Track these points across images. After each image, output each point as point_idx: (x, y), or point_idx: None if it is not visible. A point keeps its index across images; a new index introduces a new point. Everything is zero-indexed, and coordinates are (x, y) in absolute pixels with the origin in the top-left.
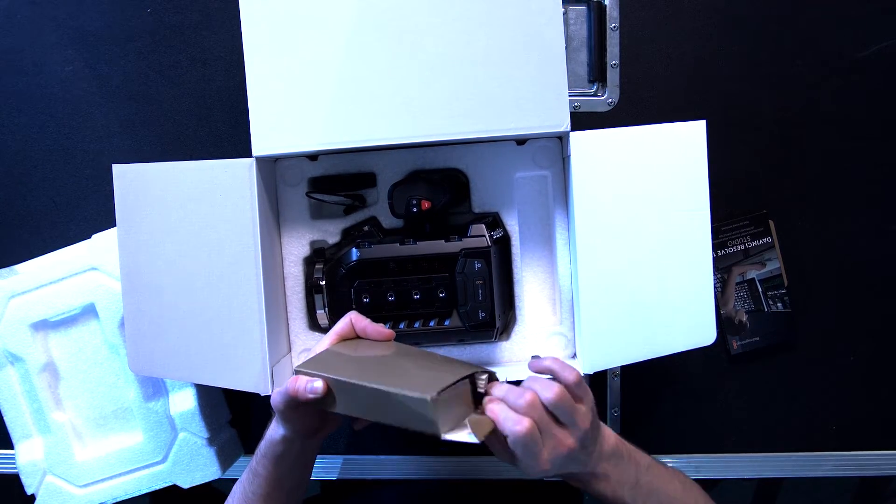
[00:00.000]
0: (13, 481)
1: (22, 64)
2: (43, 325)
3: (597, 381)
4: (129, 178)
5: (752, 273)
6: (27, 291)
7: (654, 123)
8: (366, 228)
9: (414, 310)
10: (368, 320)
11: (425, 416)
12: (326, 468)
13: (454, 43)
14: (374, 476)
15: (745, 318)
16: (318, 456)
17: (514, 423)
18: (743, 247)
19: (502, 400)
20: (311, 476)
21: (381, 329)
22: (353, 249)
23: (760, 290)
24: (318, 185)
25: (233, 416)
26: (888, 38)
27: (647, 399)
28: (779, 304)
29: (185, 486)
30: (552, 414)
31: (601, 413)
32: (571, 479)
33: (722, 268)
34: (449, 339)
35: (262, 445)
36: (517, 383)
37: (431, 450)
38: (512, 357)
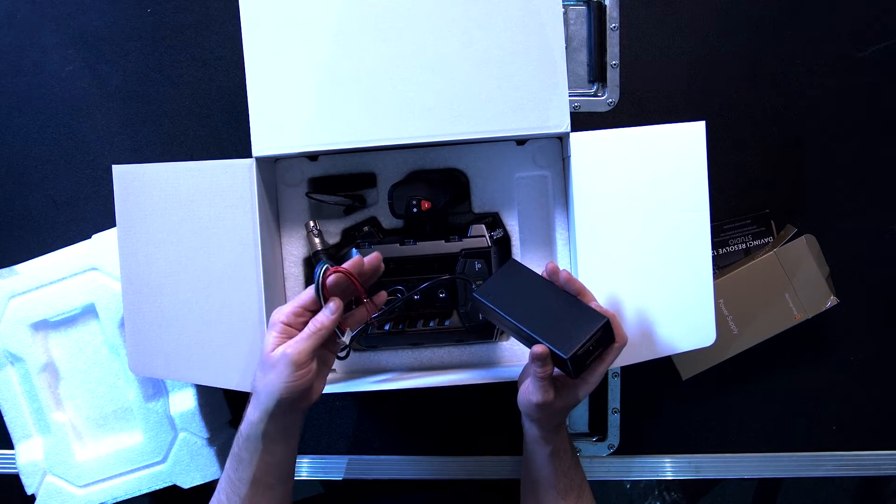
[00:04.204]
0: (13, 481)
1: (22, 64)
2: (43, 325)
3: None
4: (129, 179)
5: None
6: (27, 291)
7: (654, 123)
8: (366, 229)
9: (414, 310)
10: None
11: None
12: (327, 468)
13: (454, 43)
14: (377, 476)
15: None
16: (321, 456)
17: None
18: (744, 246)
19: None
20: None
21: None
22: (353, 250)
23: None
24: (318, 185)
25: (233, 416)
26: (888, 38)
27: (647, 399)
28: None
29: (185, 486)
30: None
31: (601, 413)
32: (541, 422)
33: (722, 266)
34: (449, 339)
35: (243, 428)
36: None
37: (434, 450)
38: (512, 357)
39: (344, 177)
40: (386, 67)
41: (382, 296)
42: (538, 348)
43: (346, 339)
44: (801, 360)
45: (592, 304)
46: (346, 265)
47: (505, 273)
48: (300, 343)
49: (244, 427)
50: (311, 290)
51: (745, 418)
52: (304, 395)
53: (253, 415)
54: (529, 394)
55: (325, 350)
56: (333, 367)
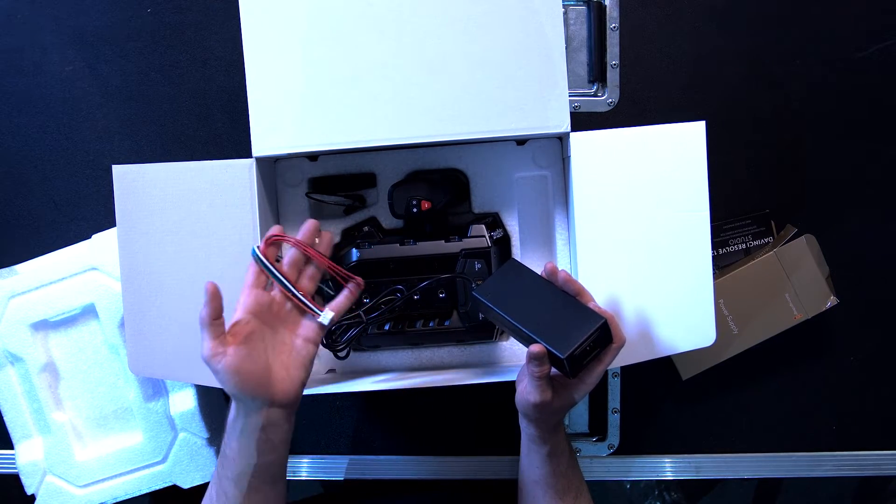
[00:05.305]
0: (13, 481)
1: (22, 64)
2: (43, 325)
3: None
4: (129, 179)
5: None
6: (27, 291)
7: (654, 124)
8: (366, 229)
9: (414, 310)
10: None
11: None
12: (327, 468)
13: (454, 43)
14: (377, 476)
15: None
16: (321, 456)
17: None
18: (744, 246)
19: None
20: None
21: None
22: (353, 250)
23: None
24: (318, 185)
25: None
26: (888, 38)
27: (647, 399)
28: None
29: (185, 486)
30: None
31: (601, 413)
32: (539, 423)
33: (722, 266)
34: (449, 339)
35: (226, 425)
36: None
37: (434, 450)
38: (512, 357)
39: (344, 177)
40: (386, 67)
41: (358, 280)
42: (535, 348)
43: (324, 320)
44: (801, 360)
45: (591, 305)
46: (271, 231)
47: (505, 272)
48: (202, 340)
49: (227, 424)
50: (248, 276)
51: (745, 418)
52: (257, 384)
53: (231, 412)
54: (527, 393)
55: (287, 331)
56: (333, 368)
